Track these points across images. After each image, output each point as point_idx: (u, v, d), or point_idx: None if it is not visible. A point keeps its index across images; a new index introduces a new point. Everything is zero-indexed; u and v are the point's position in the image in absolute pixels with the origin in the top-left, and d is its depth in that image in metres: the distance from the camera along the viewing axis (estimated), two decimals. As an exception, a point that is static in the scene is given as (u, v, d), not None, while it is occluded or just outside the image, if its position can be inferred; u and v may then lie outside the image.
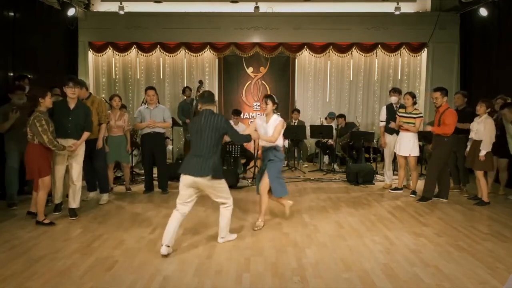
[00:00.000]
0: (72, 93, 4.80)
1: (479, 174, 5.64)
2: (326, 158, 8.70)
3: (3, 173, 5.51)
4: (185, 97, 8.81)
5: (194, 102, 8.57)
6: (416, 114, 6.10)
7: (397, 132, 6.39)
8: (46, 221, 4.62)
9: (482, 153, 5.49)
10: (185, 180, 3.76)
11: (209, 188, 3.83)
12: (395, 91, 6.73)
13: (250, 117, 9.77)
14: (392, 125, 6.36)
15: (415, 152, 6.16)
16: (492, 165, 5.82)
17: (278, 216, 5.08)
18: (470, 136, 5.80)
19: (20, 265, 3.51)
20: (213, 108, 4.00)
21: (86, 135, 4.98)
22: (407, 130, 6.10)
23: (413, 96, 6.17)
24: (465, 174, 6.41)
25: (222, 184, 3.92)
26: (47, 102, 4.58)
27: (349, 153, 8.44)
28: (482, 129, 5.55)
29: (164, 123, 6.20)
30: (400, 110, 6.30)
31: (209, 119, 3.81)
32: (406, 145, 6.13)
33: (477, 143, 5.62)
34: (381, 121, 6.78)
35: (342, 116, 9.01)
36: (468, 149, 5.85)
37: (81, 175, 5.05)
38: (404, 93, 6.41)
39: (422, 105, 9.51)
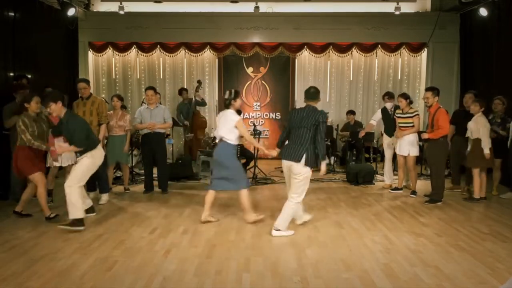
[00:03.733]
0: (49, 111, 4.51)
1: (475, 172, 5.73)
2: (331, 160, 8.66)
3: (4, 174, 5.58)
4: (182, 99, 8.81)
5: (193, 101, 8.57)
6: (412, 113, 6.13)
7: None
8: (53, 215, 4.77)
9: (486, 151, 5.57)
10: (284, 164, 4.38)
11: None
12: (390, 96, 6.76)
13: (250, 117, 9.77)
14: (397, 135, 6.34)
15: (414, 152, 6.17)
16: (493, 161, 5.87)
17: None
18: (466, 135, 5.86)
19: (20, 265, 3.52)
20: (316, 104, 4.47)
21: (70, 147, 4.59)
22: (406, 129, 6.12)
23: (405, 97, 6.19)
24: (469, 175, 6.40)
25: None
26: (32, 107, 4.70)
27: (348, 152, 8.42)
28: (474, 128, 5.63)
29: (164, 124, 6.19)
30: (398, 111, 6.34)
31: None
32: (405, 144, 6.15)
33: (475, 142, 5.68)
34: (372, 120, 6.96)
35: (352, 112, 8.93)
36: (469, 148, 5.87)
37: (77, 181, 4.58)
38: (397, 96, 6.45)
39: (422, 105, 9.49)
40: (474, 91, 6.57)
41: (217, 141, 4.84)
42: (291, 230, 4.42)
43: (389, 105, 6.71)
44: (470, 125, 5.74)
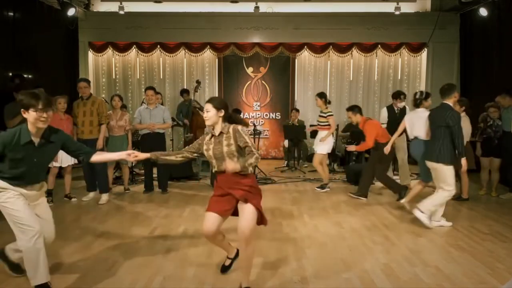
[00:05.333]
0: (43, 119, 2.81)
1: (462, 172, 5.72)
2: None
3: None
4: (183, 99, 8.80)
5: (192, 101, 8.56)
6: (325, 113, 6.33)
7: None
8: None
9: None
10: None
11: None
12: (404, 96, 6.73)
13: (250, 117, 9.77)
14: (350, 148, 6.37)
15: (321, 150, 6.31)
16: (473, 162, 5.93)
17: (278, 216, 5.08)
18: None
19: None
20: (450, 101, 4.54)
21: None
22: (322, 128, 6.36)
23: (320, 97, 6.39)
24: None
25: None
26: None
27: (349, 153, 8.40)
28: None
29: (163, 124, 6.20)
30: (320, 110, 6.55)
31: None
32: (318, 142, 6.39)
33: None
34: (382, 124, 6.65)
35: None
36: None
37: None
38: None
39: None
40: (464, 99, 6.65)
41: (411, 139, 5.36)
42: (443, 222, 4.71)
43: (401, 105, 6.68)
44: None
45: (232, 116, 3.09)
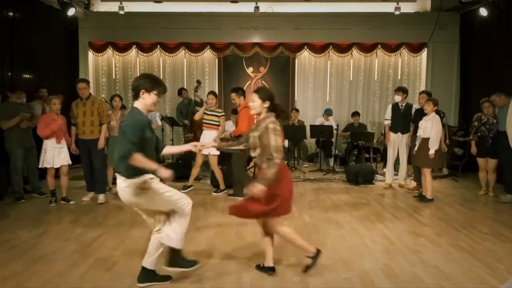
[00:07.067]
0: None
1: (426, 171, 5.75)
2: (331, 161, 8.60)
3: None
4: (182, 99, 8.81)
5: (192, 101, 8.56)
6: (219, 112, 6.21)
7: (402, 131, 6.45)
8: None
9: (431, 151, 5.58)
10: None
11: None
12: (399, 89, 6.66)
13: (250, 117, 9.76)
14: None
15: (215, 151, 6.09)
16: (441, 162, 5.95)
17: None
18: (418, 134, 5.90)
19: (20, 265, 3.52)
20: None
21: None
22: (211, 127, 6.18)
23: (216, 95, 6.29)
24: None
25: None
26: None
27: (349, 153, 8.39)
28: (430, 127, 5.63)
29: (155, 125, 6.34)
30: (205, 106, 6.36)
31: None
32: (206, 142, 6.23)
33: (425, 141, 5.69)
34: (386, 119, 6.68)
35: (356, 114, 8.82)
36: (416, 147, 5.89)
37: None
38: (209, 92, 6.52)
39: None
40: (427, 90, 6.65)
41: None
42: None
43: (398, 98, 6.55)
44: (424, 124, 5.76)
45: (277, 108, 3.25)
